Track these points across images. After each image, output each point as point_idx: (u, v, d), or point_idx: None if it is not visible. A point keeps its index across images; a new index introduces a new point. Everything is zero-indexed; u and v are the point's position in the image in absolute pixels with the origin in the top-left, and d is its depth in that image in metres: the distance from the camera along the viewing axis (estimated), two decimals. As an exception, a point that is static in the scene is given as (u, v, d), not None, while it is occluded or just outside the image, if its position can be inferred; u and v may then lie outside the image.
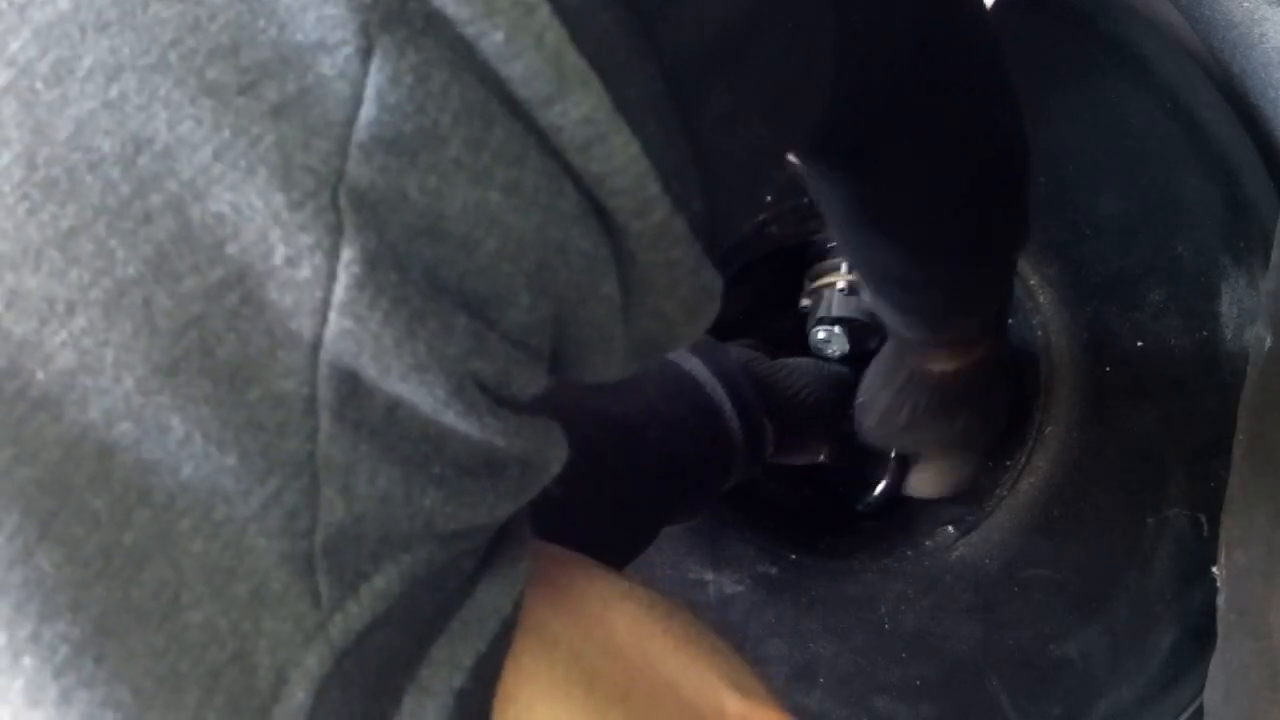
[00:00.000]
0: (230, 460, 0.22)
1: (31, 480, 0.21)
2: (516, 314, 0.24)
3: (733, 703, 0.30)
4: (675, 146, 0.26)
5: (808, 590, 0.76)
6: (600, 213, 0.25)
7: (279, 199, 0.21)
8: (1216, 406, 0.72)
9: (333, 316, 0.22)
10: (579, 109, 0.23)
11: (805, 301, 0.80)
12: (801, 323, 0.80)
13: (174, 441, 0.22)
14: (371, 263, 0.22)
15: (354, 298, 0.22)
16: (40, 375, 0.21)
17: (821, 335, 0.77)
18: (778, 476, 0.83)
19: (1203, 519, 0.74)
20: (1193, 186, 0.76)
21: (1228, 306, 0.75)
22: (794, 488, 0.86)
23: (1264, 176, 0.76)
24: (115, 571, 0.22)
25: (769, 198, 0.76)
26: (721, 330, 0.74)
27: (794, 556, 0.78)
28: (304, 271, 0.22)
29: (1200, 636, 0.71)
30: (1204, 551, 0.72)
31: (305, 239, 0.22)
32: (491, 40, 0.22)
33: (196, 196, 0.21)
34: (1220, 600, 0.65)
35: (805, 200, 0.75)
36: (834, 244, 0.80)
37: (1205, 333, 0.75)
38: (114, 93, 0.21)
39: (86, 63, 0.21)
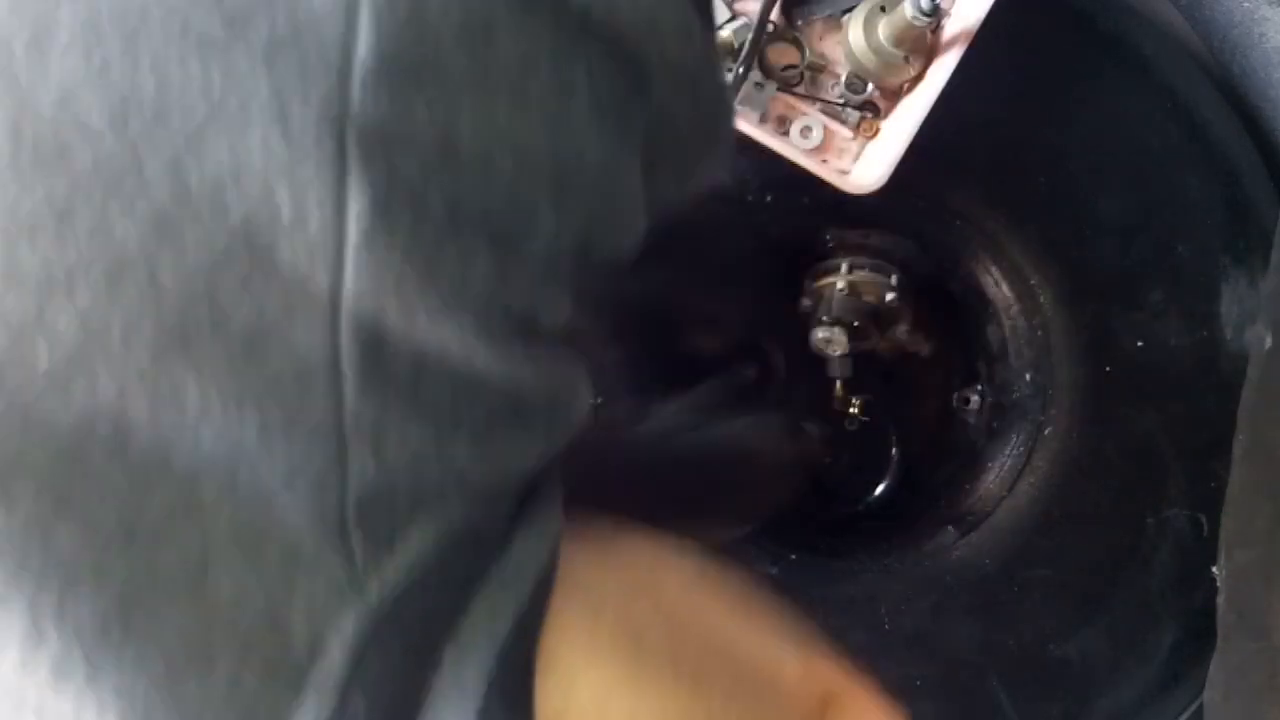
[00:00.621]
0: (251, 428, 0.21)
1: (44, 461, 0.21)
2: (542, 235, 0.24)
3: (793, 663, 0.29)
4: None
5: (808, 590, 0.76)
6: (627, 91, 0.24)
7: (279, 150, 0.21)
8: (1216, 406, 0.72)
9: (348, 268, 0.21)
10: None
11: (805, 301, 0.80)
12: (802, 323, 0.80)
13: (191, 412, 0.21)
14: (384, 205, 0.21)
15: (368, 243, 0.21)
16: (45, 353, 0.21)
17: (821, 335, 0.77)
18: (778, 476, 0.83)
19: (1203, 519, 0.73)
20: (1193, 186, 0.75)
21: (1228, 306, 0.75)
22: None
23: (1264, 176, 0.76)
24: (138, 544, 0.21)
25: (768, 198, 0.76)
26: (721, 331, 0.74)
27: (794, 556, 0.78)
28: (313, 224, 0.21)
29: (1200, 636, 0.71)
30: (1204, 551, 0.72)
31: (311, 189, 0.21)
32: None
33: (193, 158, 0.21)
34: (1220, 600, 0.65)
35: (805, 200, 0.75)
36: (833, 244, 0.80)
37: (1205, 333, 0.75)
38: (97, 57, 0.20)
39: (65, 28, 0.20)
